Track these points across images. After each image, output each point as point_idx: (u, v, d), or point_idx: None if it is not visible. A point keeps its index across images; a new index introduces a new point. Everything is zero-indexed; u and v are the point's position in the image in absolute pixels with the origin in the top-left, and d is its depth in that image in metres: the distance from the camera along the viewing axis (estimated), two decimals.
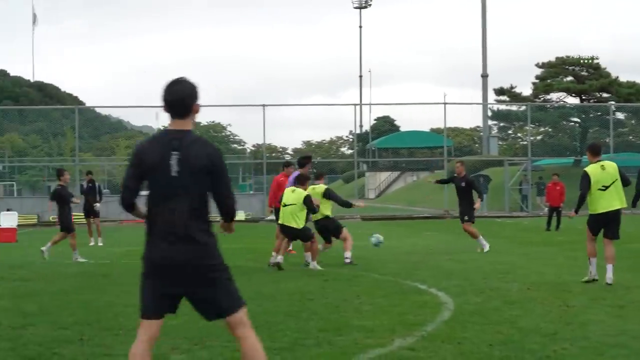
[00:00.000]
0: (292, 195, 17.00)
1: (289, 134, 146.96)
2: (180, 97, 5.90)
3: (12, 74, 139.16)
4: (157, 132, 6.10)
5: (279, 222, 17.25)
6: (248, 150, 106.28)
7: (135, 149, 5.97)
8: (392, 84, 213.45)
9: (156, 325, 6.04)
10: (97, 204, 26.12)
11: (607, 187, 13.89)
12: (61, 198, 20.23)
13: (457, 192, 21.49)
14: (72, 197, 20.70)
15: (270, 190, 21.63)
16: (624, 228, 14.93)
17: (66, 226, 20.11)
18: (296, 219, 16.81)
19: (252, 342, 6.12)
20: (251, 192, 57.22)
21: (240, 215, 39.32)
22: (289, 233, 17.07)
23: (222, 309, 6.02)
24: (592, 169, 14.00)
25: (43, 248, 20.08)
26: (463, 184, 21.27)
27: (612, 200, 13.93)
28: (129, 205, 6.00)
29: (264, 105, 45.31)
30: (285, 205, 17.02)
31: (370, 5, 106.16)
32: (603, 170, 13.97)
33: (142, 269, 5.97)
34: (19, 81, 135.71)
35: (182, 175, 5.77)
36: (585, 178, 13.89)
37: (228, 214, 6.15)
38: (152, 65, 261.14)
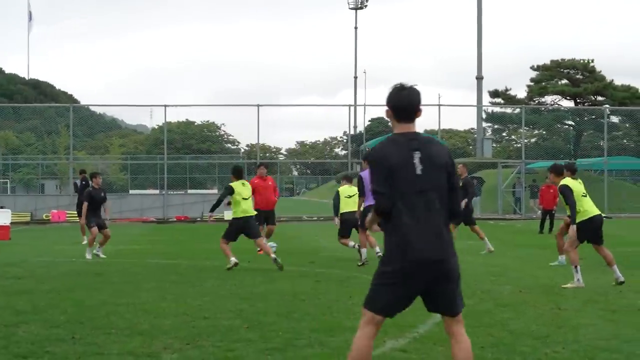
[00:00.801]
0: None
1: (283, 134, 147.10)
2: (409, 102, 6.12)
3: (6, 71, 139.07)
4: (389, 136, 6.21)
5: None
6: (242, 150, 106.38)
7: (375, 154, 6.10)
8: (387, 84, 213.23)
9: (381, 323, 6.20)
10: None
11: (586, 195, 14.44)
12: (93, 200, 20.23)
13: None
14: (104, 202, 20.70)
15: None
16: (617, 232, 14.99)
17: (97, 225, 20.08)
18: None
19: (467, 341, 6.22)
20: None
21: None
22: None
23: (457, 306, 6.18)
24: (567, 181, 14.55)
25: (95, 251, 19.88)
26: (460, 185, 21.17)
27: (594, 205, 14.50)
28: (389, 211, 5.99)
29: (258, 105, 45.32)
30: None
31: (366, 6, 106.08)
32: (575, 181, 14.63)
33: (387, 267, 6.00)
34: (13, 78, 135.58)
35: (426, 172, 5.96)
36: (568, 189, 14.31)
37: (456, 213, 6.25)
38: (147, 63, 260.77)
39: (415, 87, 6.21)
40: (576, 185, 14.47)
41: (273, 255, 16.87)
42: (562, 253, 17.19)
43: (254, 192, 20.87)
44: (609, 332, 9.69)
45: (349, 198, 18.91)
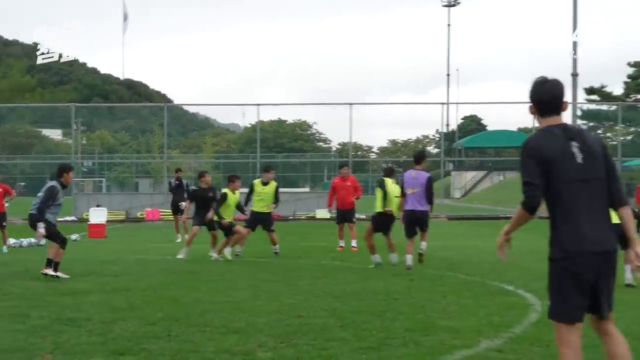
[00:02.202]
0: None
1: (375, 133, 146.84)
2: (553, 95, 6.06)
3: (102, 71, 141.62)
4: (542, 128, 6.11)
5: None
6: (333, 149, 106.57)
7: (529, 146, 6.02)
8: (480, 82, 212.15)
9: (581, 329, 5.99)
10: (183, 203, 26.14)
11: None
12: (197, 199, 20.54)
13: None
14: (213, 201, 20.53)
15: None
16: None
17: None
18: None
19: (621, 336, 6.14)
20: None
21: (325, 214, 39.36)
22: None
23: (611, 302, 6.06)
24: None
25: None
26: None
27: None
28: (538, 205, 5.91)
29: (350, 104, 45.31)
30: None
31: (459, 3, 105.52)
32: None
33: (560, 263, 5.89)
34: (108, 79, 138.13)
35: (587, 161, 5.88)
36: None
37: (621, 200, 6.12)
38: (239, 62, 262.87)
39: (557, 79, 6.13)
40: None
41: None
42: None
43: (334, 191, 21.91)
44: None
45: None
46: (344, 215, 22.51)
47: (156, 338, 9.35)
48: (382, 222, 17.32)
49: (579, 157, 5.85)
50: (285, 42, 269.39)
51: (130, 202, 45.10)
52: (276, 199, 20.10)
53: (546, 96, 6.03)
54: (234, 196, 19.57)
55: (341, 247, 21.81)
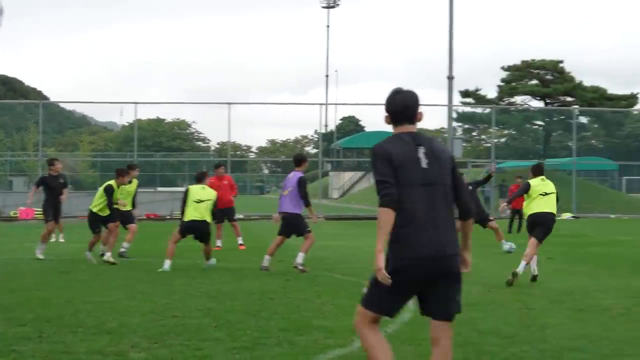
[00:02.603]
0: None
1: (254, 133, 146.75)
2: (404, 105, 6.16)
3: None
4: (391, 136, 6.21)
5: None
6: (212, 148, 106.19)
7: (378, 150, 6.05)
8: (358, 84, 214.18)
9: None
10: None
11: (546, 194, 15.06)
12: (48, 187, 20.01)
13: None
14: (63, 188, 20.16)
15: None
16: (584, 231, 15.16)
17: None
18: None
19: (449, 350, 6.30)
20: None
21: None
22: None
23: (452, 308, 6.19)
24: (533, 180, 15.34)
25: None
26: (470, 188, 21.99)
27: (547, 206, 15.00)
28: (397, 199, 5.91)
29: (229, 103, 45.22)
30: None
31: (338, 4, 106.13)
32: (543, 182, 15.30)
33: (396, 263, 5.92)
34: None
35: (432, 167, 5.99)
36: (525, 184, 15.42)
37: (468, 212, 6.27)
38: (117, 60, 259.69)
39: (411, 90, 6.24)
40: (538, 184, 15.18)
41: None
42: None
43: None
44: (575, 332, 9.74)
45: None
46: (223, 214, 22.53)
47: (26, 339, 9.18)
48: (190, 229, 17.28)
49: (424, 162, 5.97)
50: (165, 41, 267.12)
51: (4, 201, 44.13)
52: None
53: (399, 107, 6.14)
54: (125, 189, 19.42)
55: (219, 246, 21.77)
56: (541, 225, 14.95)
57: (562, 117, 63.07)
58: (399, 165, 5.93)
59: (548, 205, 15.02)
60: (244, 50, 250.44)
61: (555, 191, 15.23)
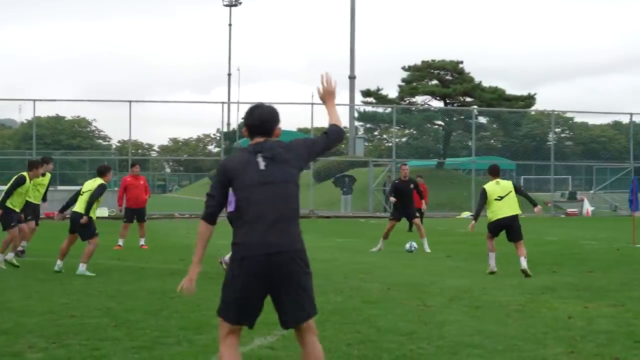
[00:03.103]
0: None
1: (156, 131, 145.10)
2: (260, 120, 6.29)
3: None
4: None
5: None
6: (113, 147, 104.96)
7: (219, 165, 6.32)
8: (261, 82, 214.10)
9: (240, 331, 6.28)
10: None
11: (502, 198, 15.86)
12: None
13: (402, 193, 22.18)
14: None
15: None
16: (483, 230, 15.51)
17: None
18: None
19: (319, 351, 6.35)
20: (116, 189, 56.43)
21: (104, 212, 38.83)
22: None
23: (302, 309, 6.13)
24: (488, 185, 16.05)
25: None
26: (412, 186, 22.43)
27: (506, 208, 15.84)
28: (213, 215, 6.27)
29: (130, 101, 44.77)
30: None
31: (240, 3, 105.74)
32: (497, 185, 16.02)
33: (233, 264, 6.08)
34: None
35: (271, 168, 6.07)
36: (483, 193, 16.02)
37: None
38: (15, 56, 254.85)
39: (270, 106, 6.44)
40: (493, 188, 16.02)
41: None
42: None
43: (125, 190, 21.74)
44: (472, 328, 9.91)
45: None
46: (135, 214, 22.44)
47: None
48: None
49: (261, 165, 6.05)
50: (63, 38, 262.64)
51: None
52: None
53: (256, 121, 6.27)
54: (38, 182, 18.80)
55: (119, 246, 21.57)
56: (508, 228, 15.91)
57: (462, 117, 63.83)
58: (234, 175, 6.08)
59: (510, 208, 15.86)
60: (146, 47, 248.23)
61: (511, 189, 16.05)
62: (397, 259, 19.07)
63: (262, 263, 5.87)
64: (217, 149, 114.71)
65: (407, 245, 21.14)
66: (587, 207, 47.44)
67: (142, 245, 21.90)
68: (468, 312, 11.18)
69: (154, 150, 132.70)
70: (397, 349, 8.67)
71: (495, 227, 15.98)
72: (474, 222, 16.48)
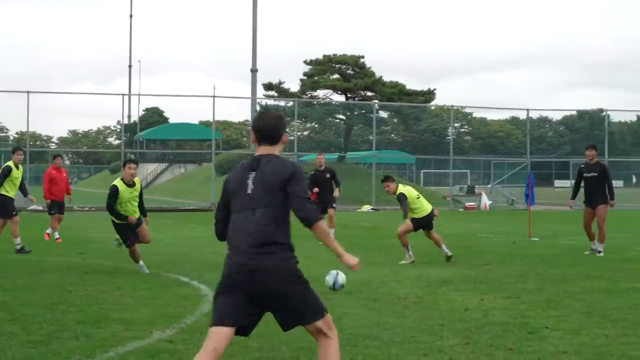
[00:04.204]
0: None
1: (55, 123, 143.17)
2: (264, 127, 6.31)
3: None
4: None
5: None
6: (11, 138, 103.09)
7: (224, 181, 6.42)
8: (163, 74, 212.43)
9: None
10: None
11: (419, 196, 17.21)
12: None
13: (320, 183, 22.62)
14: None
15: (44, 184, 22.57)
16: (384, 223, 15.64)
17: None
18: None
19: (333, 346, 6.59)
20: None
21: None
22: None
23: (299, 316, 6.47)
24: (403, 188, 17.10)
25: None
26: (328, 176, 22.88)
27: (426, 205, 17.23)
28: (222, 237, 6.44)
29: (28, 92, 43.95)
30: None
31: None
32: (404, 187, 17.26)
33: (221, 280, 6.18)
34: None
35: (256, 192, 6.14)
36: (403, 196, 16.89)
37: (309, 220, 6.25)
38: None
39: (276, 112, 6.55)
40: (410, 190, 17.21)
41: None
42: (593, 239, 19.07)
43: (50, 182, 21.52)
44: (371, 320, 10.03)
45: None
46: (60, 206, 22.54)
47: None
48: None
49: (249, 188, 6.14)
50: None
51: None
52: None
53: (261, 128, 6.31)
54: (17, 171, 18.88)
55: (58, 239, 21.79)
56: (425, 222, 17.07)
57: (363, 111, 64.21)
58: (231, 194, 6.25)
59: (425, 206, 17.11)
60: (44, 38, 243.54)
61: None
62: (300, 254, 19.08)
63: (243, 283, 6.08)
64: (117, 141, 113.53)
65: (329, 279, 20.82)
66: (485, 201, 48.13)
67: (58, 238, 21.74)
68: (367, 305, 11.31)
69: (52, 142, 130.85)
70: (295, 341, 8.72)
71: (419, 223, 16.99)
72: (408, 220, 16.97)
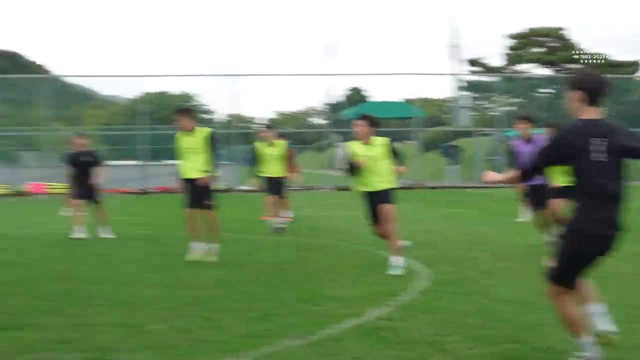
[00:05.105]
0: None
1: (261, 104, 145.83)
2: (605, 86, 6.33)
3: None
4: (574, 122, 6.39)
5: None
6: (216, 120, 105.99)
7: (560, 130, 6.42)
8: (361, 54, 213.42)
9: None
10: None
11: None
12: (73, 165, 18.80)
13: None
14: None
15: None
16: None
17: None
18: None
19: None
20: (225, 162, 57.08)
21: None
22: None
23: None
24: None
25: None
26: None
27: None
28: (528, 178, 6.75)
29: (235, 75, 45.13)
30: None
31: None
32: None
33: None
34: None
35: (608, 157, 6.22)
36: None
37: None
38: (120, 32, 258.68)
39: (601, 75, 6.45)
40: None
41: None
42: None
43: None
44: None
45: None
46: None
47: (43, 312, 9.22)
48: None
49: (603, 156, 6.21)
50: (176, 15, 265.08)
51: (13, 176, 44.09)
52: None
53: (602, 87, 6.31)
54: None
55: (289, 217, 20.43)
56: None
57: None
58: (575, 152, 6.26)
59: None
60: (248, 21, 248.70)
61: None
62: (508, 228, 18.87)
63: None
64: (322, 122, 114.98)
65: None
66: None
67: (287, 217, 20.12)
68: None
69: (256, 123, 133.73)
70: (513, 318, 8.58)
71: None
72: None
